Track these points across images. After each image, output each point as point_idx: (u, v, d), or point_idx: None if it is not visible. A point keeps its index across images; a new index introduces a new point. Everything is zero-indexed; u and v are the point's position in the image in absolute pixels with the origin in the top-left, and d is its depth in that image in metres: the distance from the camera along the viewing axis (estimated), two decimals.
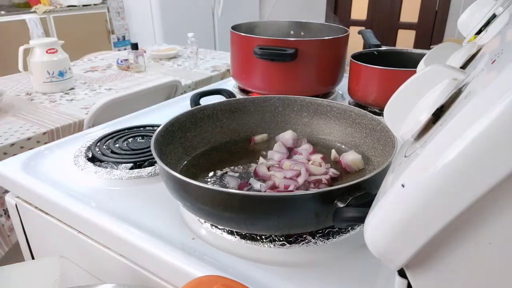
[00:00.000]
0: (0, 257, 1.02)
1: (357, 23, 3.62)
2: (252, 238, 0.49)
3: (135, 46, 1.65)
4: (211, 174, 0.60)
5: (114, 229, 0.52)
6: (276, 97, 0.70)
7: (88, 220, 0.55)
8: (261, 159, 0.62)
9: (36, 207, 0.65)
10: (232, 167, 0.62)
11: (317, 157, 0.61)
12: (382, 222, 0.26)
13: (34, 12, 2.83)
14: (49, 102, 1.32)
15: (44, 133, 1.10)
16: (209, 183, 0.58)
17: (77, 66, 1.79)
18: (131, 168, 0.66)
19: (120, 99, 1.17)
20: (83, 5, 3.06)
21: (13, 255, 1.05)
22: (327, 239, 0.49)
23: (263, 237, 0.49)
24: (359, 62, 0.87)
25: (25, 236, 0.73)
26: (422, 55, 0.92)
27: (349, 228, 0.51)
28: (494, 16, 0.44)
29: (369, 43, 1.03)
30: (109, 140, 0.75)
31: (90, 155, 0.71)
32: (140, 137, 0.77)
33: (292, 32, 1.15)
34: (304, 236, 0.50)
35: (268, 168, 0.59)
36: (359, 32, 1.10)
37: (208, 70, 1.71)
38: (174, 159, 0.60)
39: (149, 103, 1.03)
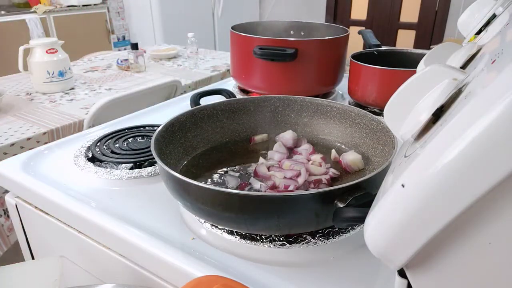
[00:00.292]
0: None
1: (357, 23, 3.62)
2: (252, 238, 0.49)
3: (135, 46, 1.65)
4: (211, 174, 0.60)
5: (114, 229, 0.52)
6: (276, 97, 0.70)
7: (88, 220, 0.55)
8: (261, 159, 0.62)
9: (36, 207, 0.65)
10: (232, 167, 0.62)
11: (317, 157, 0.61)
12: (382, 222, 0.26)
13: (34, 12, 2.83)
14: (49, 102, 1.32)
15: (44, 133, 1.10)
16: (209, 183, 0.58)
17: (77, 66, 1.79)
18: (131, 168, 0.66)
19: (120, 99, 1.17)
20: (83, 5, 3.06)
21: (13, 255, 1.05)
22: (327, 239, 0.49)
23: (263, 237, 0.49)
24: (359, 62, 0.87)
25: (25, 236, 0.73)
26: (422, 55, 0.92)
27: (349, 228, 0.51)
28: (494, 16, 0.44)
29: (369, 43, 1.03)
30: (109, 140, 0.75)
31: (90, 155, 0.71)
32: (140, 137, 0.77)
33: (292, 32, 1.15)
34: (304, 236, 0.50)
35: (268, 168, 0.59)
36: (359, 32, 1.10)
37: (208, 70, 1.71)
38: (174, 159, 0.60)
39: (149, 103, 1.03)
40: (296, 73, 0.91)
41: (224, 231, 0.51)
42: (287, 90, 0.91)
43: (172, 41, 2.97)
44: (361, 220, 0.39)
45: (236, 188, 0.56)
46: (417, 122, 0.30)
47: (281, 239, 0.49)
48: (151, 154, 0.65)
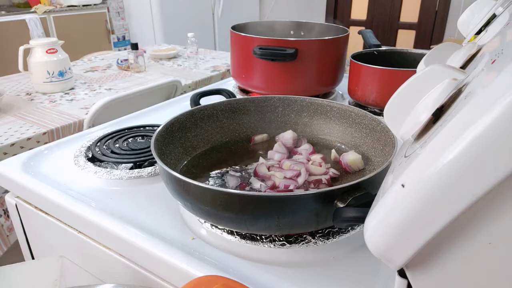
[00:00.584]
0: None
1: (357, 23, 3.62)
2: (252, 238, 0.49)
3: (135, 46, 1.65)
4: (211, 174, 0.60)
5: (114, 229, 0.52)
6: (276, 97, 0.70)
7: (88, 220, 0.55)
8: (261, 159, 0.62)
9: (36, 207, 0.65)
10: (232, 167, 0.62)
11: (317, 157, 0.61)
12: (382, 222, 0.26)
13: (34, 12, 2.83)
14: (49, 102, 1.32)
15: (44, 133, 1.10)
16: (209, 183, 0.58)
17: (77, 66, 1.80)
18: (131, 168, 0.66)
19: (120, 99, 1.17)
20: (83, 5, 3.07)
21: (13, 255, 1.05)
22: (327, 239, 0.49)
23: (263, 237, 0.49)
24: (359, 62, 0.87)
25: (25, 236, 0.73)
26: (422, 55, 0.93)
27: (349, 228, 0.51)
28: (494, 16, 0.44)
29: (369, 43, 1.03)
30: (109, 140, 0.75)
31: (90, 155, 0.71)
32: (140, 137, 0.77)
33: (292, 32, 1.15)
34: (304, 236, 0.50)
35: (268, 168, 0.59)
36: (359, 32, 1.10)
37: (208, 70, 1.72)
38: (174, 159, 0.60)
39: (149, 103, 1.03)
40: (296, 73, 0.91)
41: (224, 231, 0.51)
42: (287, 90, 0.91)
43: (172, 41, 2.97)
44: (361, 220, 0.39)
45: (236, 188, 0.56)
46: (417, 122, 0.30)
47: (281, 239, 0.49)
48: (151, 154, 0.65)
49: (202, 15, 3.31)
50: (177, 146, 0.61)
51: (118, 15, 3.38)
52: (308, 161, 0.61)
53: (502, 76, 0.21)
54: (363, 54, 0.96)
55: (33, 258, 0.76)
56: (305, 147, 0.65)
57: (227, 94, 0.77)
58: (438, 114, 0.28)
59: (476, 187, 0.20)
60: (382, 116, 0.34)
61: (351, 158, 0.59)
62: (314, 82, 0.94)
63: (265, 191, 0.54)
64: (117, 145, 0.73)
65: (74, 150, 0.73)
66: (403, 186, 0.24)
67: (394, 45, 3.46)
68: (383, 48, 0.99)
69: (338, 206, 0.42)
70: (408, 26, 3.39)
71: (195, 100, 0.72)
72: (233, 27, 1.00)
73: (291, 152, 0.65)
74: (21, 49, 1.40)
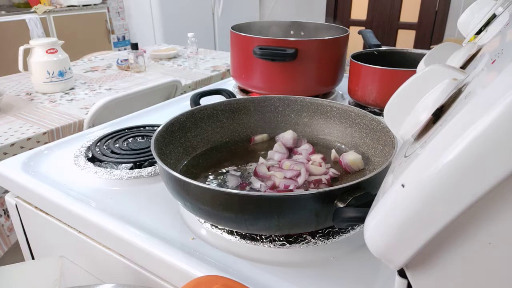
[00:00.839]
0: None
1: (357, 23, 3.62)
2: (252, 238, 0.49)
3: (135, 46, 1.65)
4: (211, 174, 0.60)
5: (114, 229, 0.52)
6: (276, 97, 0.70)
7: (88, 220, 0.55)
8: (261, 159, 0.62)
9: (36, 207, 0.65)
10: (232, 167, 0.62)
11: (317, 157, 0.61)
12: (382, 222, 0.26)
13: (34, 12, 2.83)
14: (49, 102, 1.32)
15: (44, 133, 1.10)
16: (209, 183, 0.58)
17: (77, 66, 1.80)
18: (131, 168, 0.66)
19: (120, 99, 1.17)
20: (83, 5, 3.07)
21: (13, 255, 1.05)
22: (327, 239, 0.49)
23: (263, 237, 0.49)
24: (359, 62, 0.87)
25: (25, 236, 0.73)
26: (422, 55, 0.93)
27: (349, 228, 0.51)
28: (494, 16, 0.44)
29: (369, 43, 1.03)
30: (109, 140, 0.75)
31: (90, 155, 0.71)
32: (140, 137, 0.77)
33: (292, 32, 1.15)
34: (304, 236, 0.50)
35: (268, 168, 0.59)
36: (359, 32, 1.10)
37: (208, 70, 1.72)
38: (174, 159, 0.60)
39: (149, 103, 1.03)
40: (296, 73, 0.91)
41: (224, 231, 0.51)
42: (287, 90, 0.91)
43: (172, 41, 2.97)
44: (361, 220, 0.39)
45: (237, 188, 0.56)
46: (417, 122, 0.30)
47: (281, 239, 0.49)
48: (151, 154, 0.65)
49: (202, 15, 3.31)
50: (177, 146, 0.61)
51: (118, 15, 3.38)
52: (308, 161, 0.61)
53: (502, 76, 0.21)
54: (363, 54, 0.96)
55: (33, 258, 0.76)
56: (305, 147, 0.65)
57: (227, 94, 0.77)
58: (438, 114, 0.28)
59: (476, 187, 0.20)
60: (382, 116, 0.34)
61: (351, 158, 0.59)
62: (314, 82, 0.94)
63: (265, 191, 0.54)
64: (117, 145, 0.73)
65: (74, 150, 0.73)
66: (403, 186, 0.24)
67: (394, 45, 3.46)
68: (383, 48, 0.99)
69: (338, 206, 0.42)
70: (408, 26, 3.39)
71: (195, 100, 0.72)
72: (233, 27, 1.00)
73: (291, 152, 0.65)
74: (21, 49, 1.40)
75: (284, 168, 0.59)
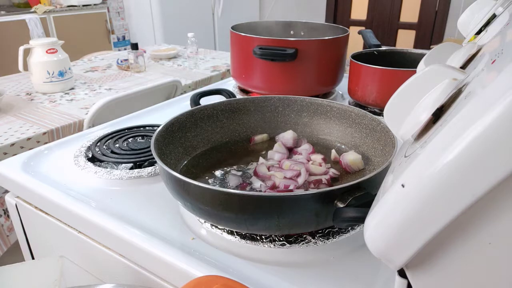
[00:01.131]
0: None
1: (357, 23, 3.62)
2: (252, 238, 0.49)
3: (135, 46, 1.65)
4: (211, 174, 0.60)
5: (114, 229, 0.52)
6: (276, 97, 0.70)
7: (88, 220, 0.55)
8: (261, 159, 0.62)
9: (36, 207, 0.65)
10: (232, 167, 0.62)
11: (317, 157, 0.61)
12: (382, 222, 0.26)
13: (34, 12, 2.83)
14: (49, 102, 1.32)
15: (44, 133, 1.10)
16: (209, 183, 0.58)
17: (77, 66, 1.80)
18: (131, 168, 0.66)
19: (120, 99, 1.17)
20: (83, 5, 3.07)
21: (13, 255, 1.05)
22: (327, 239, 0.49)
23: (263, 237, 0.49)
24: (359, 62, 0.87)
25: (25, 236, 0.73)
26: (422, 55, 0.93)
27: (349, 228, 0.51)
28: (494, 16, 0.44)
29: (369, 43, 1.03)
30: (109, 140, 0.75)
31: (90, 155, 0.71)
32: (140, 137, 0.77)
33: (292, 32, 1.15)
34: (304, 236, 0.50)
35: (268, 168, 0.59)
36: (359, 32, 1.10)
37: (208, 70, 1.72)
38: (174, 159, 0.60)
39: (149, 103, 1.03)
40: (296, 73, 0.91)
41: (224, 231, 0.51)
42: (287, 90, 0.91)
43: (172, 41, 2.97)
44: (361, 220, 0.39)
45: (237, 188, 0.56)
46: (417, 122, 0.30)
47: (281, 239, 0.49)
48: (151, 154, 0.65)
49: (202, 15, 3.31)
50: (177, 146, 0.61)
51: (118, 15, 3.38)
52: (308, 161, 0.61)
53: (502, 76, 0.21)
54: (363, 54, 0.96)
55: (33, 258, 0.76)
56: (305, 147, 0.65)
57: (227, 94, 0.77)
58: (438, 114, 0.28)
59: (476, 187, 0.20)
60: (382, 116, 0.34)
61: (351, 158, 0.59)
62: (314, 82, 0.94)
63: (265, 191, 0.54)
64: (117, 145, 0.73)
65: (74, 150, 0.73)
66: (403, 186, 0.24)
67: (394, 45, 3.46)
68: (383, 48, 0.99)
69: (338, 206, 0.42)
70: (408, 26, 3.39)
71: (195, 100, 0.72)
72: (233, 27, 1.00)
73: (291, 152, 0.65)
74: (21, 49, 1.40)
75: (284, 168, 0.59)
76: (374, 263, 0.46)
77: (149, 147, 0.71)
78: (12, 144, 1.03)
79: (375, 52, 0.97)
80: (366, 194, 0.43)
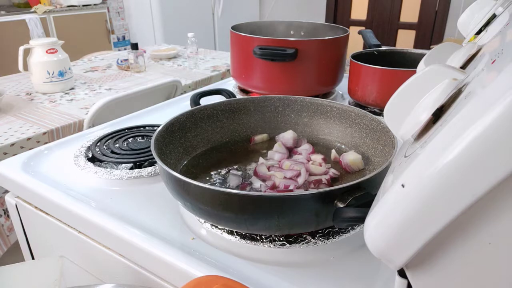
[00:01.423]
0: None
1: (357, 23, 3.62)
2: (252, 238, 0.49)
3: (135, 46, 1.65)
4: (211, 174, 0.60)
5: (114, 229, 0.52)
6: (276, 97, 0.70)
7: (88, 220, 0.55)
8: (261, 159, 0.62)
9: (36, 207, 0.65)
10: (232, 167, 0.62)
11: (317, 157, 0.61)
12: (382, 222, 0.26)
13: (34, 12, 2.83)
14: (49, 102, 1.32)
15: (44, 133, 1.10)
16: (209, 183, 0.58)
17: (77, 66, 1.80)
18: (131, 168, 0.66)
19: (120, 99, 1.17)
20: (83, 5, 3.07)
21: (13, 255, 1.05)
22: (327, 239, 0.49)
23: (263, 237, 0.49)
24: (359, 62, 0.87)
25: (25, 236, 0.73)
26: (422, 55, 0.93)
27: (349, 228, 0.51)
28: (494, 16, 0.44)
29: (369, 43, 1.03)
30: (109, 140, 0.75)
31: (90, 155, 0.71)
32: (140, 137, 0.77)
33: (292, 32, 1.15)
34: (304, 236, 0.50)
35: (268, 168, 0.59)
36: (359, 32, 1.10)
37: (208, 70, 1.72)
38: (174, 159, 0.60)
39: (149, 103, 1.03)
40: (296, 73, 0.91)
41: (224, 231, 0.51)
42: (287, 90, 0.91)
43: (172, 41, 2.97)
44: (361, 220, 0.39)
45: (237, 188, 0.56)
46: (417, 122, 0.30)
47: (281, 239, 0.49)
48: (151, 154, 0.65)
49: (202, 15, 3.31)
50: (177, 146, 0.61)
51: (118, 15, 3.38)
52: (308, 161, 0.61)
53: (502, 76, 0.21)
54: (363, 54, 0.96)
55: (33, 258, 0.76)
56: (305, 147, 0.65)
57: (227, 94, 0.77)
58: (438, 114, 0.28)
59: (476, 187, 0.20)
60: (382, 116, 0.34)
61: (351, 158, 0.59)
62: (314, 82, 0.94)
63: (265, 191, 0.54)
64: (117, 145, 0.73)
65: (74, 150, 0.73)
66: (403, 186, 0.24)
67: (394, 45, 3.46)
68: (383, 48, 0.99)
69: (338, 206, 0.42)
70: (408, 26, 3.39)
71: (195, 100, 0.72)
72: (233, 27, 1.00)
73: (291, 152, 0.65)
74: (21, 49, 1.40)
75: (284, 168, 0.59)
76: (374, 263, 0.46)
77: (149, 147, 0.71)
78: (12, 144, 1.03)
79: (375, 52, 0.97)
80: (366, 194, 0.43)
